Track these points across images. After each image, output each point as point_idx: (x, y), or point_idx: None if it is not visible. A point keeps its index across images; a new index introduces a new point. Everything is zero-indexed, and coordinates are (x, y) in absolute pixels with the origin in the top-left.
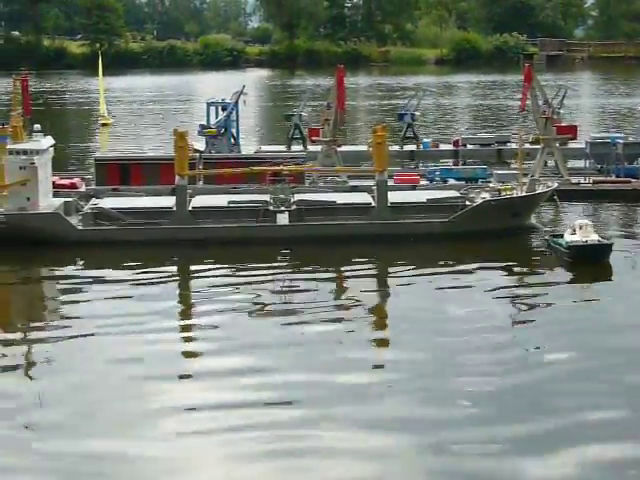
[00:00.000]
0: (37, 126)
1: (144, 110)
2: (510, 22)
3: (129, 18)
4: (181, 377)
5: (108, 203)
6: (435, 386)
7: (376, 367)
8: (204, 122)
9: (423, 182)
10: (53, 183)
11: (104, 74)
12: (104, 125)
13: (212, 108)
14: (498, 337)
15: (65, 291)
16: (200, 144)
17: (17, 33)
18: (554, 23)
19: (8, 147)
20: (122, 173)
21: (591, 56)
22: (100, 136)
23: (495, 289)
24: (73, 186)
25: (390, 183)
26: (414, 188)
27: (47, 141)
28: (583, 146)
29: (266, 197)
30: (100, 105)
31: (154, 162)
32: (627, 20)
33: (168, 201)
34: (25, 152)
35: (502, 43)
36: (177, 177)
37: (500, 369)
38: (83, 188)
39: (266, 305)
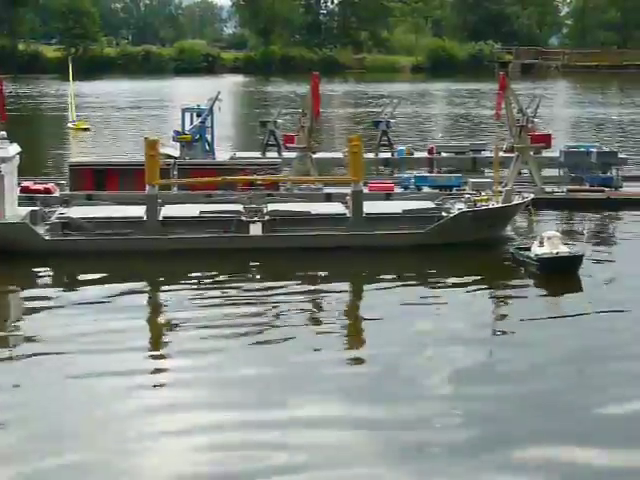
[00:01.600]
0: (3, 133)
1: (119, 115)
2: (485, 30)
3: (104, 23)
4: (147, 404)
5: (76, 212)
6: (412, 411)
7: (350, 390)
8: (179, 128)
9: (398, 190)
10: (27, 188)
11: (79, 79)
12: (84, 130)
13: (187, 114)
14: (469, 354)
15: (30, 304)
16: (175, 150)
17: None
18: (529, 31)
19: None
20: (97, 179)
21: (566, 65)
22: (76, 141)
23: (469, 302)
24: (47, 191)
25: (365, 191)
26: (389, 196)
27: (13, 148)
28: (557, 155)
29: (239, 207)
30: (71, 111)
31: (129, 168)
32: (602, 29)
33: (138, 210)
34: None
35: (477, 51)
36: (147, 186)
37: (470, 391)
38: (57, 193)
39: (238, 321)
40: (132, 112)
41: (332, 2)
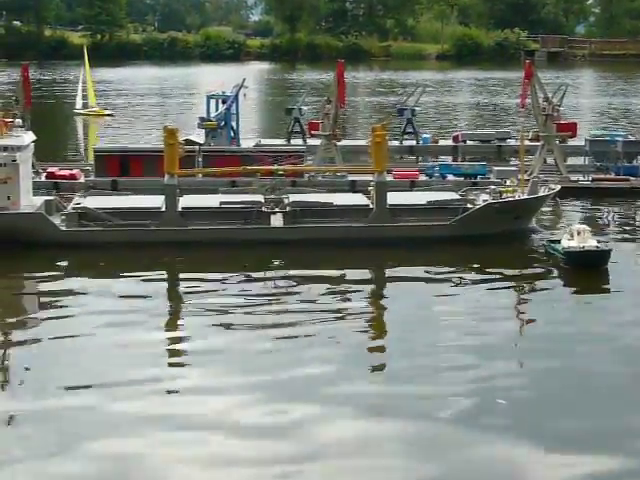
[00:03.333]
0: (18, 121)
1: (144, 102)
2: (512, 18)
3: (130, 9)
4: (165, 391)
5: (93, 202)
6: (432, 405)
7: (375, 396)
8: (204, 115)
9: (422, 177)
10: (52, 174)
11: (104, 65)
12: (107, 116)
13: (212, 101)
14: (497, 351)
15: (47, 296)
16: (200, 137)
17: (18, 23)
18: (556, 19)
19: None
20: (121, 165)
21: (592, 53)
22: (102, 127)
23: (495, 296)
24: (72, 177)
25: (389, 178)
26: (413, 183)
27: (29, 137)
28: (583, 144)
29: (259, 198)
30: (90, 97)
31: (154, 154)
32: (629, 18)
33: (156, 201)
34: (6, 148)
35: (503, 39)
36: (166, 176)
37: (501, 384)
38: (82, 179)
39: (258, 314)
40: (157, 98)
41: None
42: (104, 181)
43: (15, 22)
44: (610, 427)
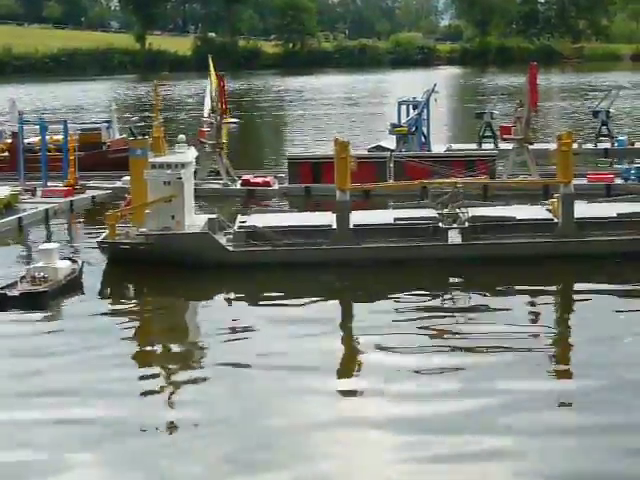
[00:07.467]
0: (182, 136)
1: (334, 110)
2: None
3: (321, 18)
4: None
5: (259, 221)
6: None
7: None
8: (395, 121)
9: (618, 181)
10: (247, 181)
11: (295, 74)
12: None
13: (403, 107)
14: None
15: (216, 322)
16: (391, 142)
17: (213, 35)
18: None
19: (151, 160)
20: (314, 171)
21: None
22: (292, 134)
23: None
24: (266, 184)
25: (584, 182)
26: (609, 188)
27: (192, 153)
28: None
29: (434, 213)
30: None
31: None
32: None
33: (327, 218)
34: (170, 166)
35: None
36: (338, 192)
37: None
38: (276, 186)
39: (438, 336)
40: (347, 106)
41: None
42: (297, 188)
43: (210, 34)
44: None
